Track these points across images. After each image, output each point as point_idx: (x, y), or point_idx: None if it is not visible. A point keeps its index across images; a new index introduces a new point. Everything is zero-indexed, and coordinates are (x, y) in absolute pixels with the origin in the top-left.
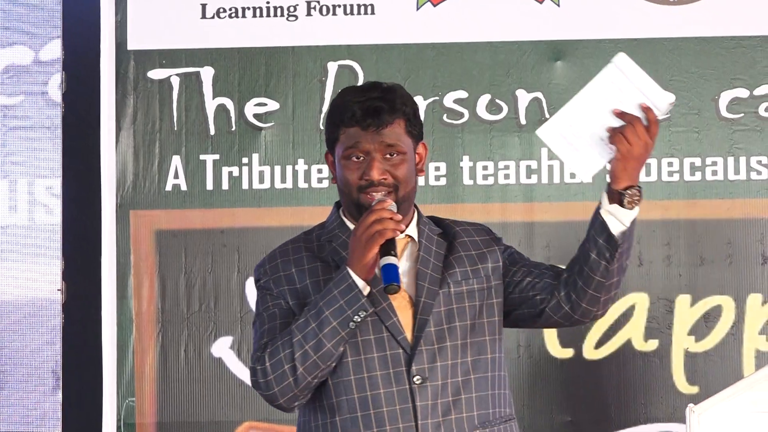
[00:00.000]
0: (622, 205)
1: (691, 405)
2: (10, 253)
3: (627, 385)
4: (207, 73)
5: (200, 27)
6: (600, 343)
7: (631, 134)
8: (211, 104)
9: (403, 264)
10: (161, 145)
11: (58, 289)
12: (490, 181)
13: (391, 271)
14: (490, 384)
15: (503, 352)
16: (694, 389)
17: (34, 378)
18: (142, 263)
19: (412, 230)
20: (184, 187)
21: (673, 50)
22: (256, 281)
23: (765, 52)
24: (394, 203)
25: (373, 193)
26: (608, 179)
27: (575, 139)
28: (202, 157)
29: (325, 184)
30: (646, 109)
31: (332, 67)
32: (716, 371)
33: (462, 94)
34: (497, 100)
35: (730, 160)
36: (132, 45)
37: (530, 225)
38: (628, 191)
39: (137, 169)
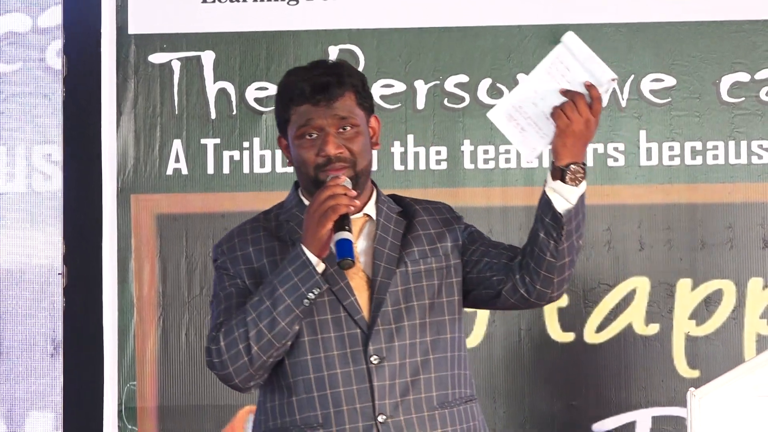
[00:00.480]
0: (564, 181)
1: (692, 389)
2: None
3: (628, 369)
4: (208, 57)
5: (201, 11)
6: (601, 327)
7: (571, 110)
8: (212, 88)
9: (361, 243)
10: (162, 129)
11: (59, 273)
12: (491, 165)
13: (344, 246)
14: (449, 364)
15: (463, 332)
16: (695, 373)
17: (34, 361)
18: (143, 247)
19: (371, 209)
20: (185, 171)
21: (674, 34)
22: (214, 261)
23: (766, 36)
24: (348, 179)
25: (330, 170)
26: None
27: (523, 120)
28: (203, 141)
29: None
30: (590, 87)
31: (333, 51)
32: (717, 355)
33: (463, 78)
34: (498, 84)
35: (731, 144)
36: (133, 29)
37: (531, 209)
38: (571, 167)
39: (138, 153)
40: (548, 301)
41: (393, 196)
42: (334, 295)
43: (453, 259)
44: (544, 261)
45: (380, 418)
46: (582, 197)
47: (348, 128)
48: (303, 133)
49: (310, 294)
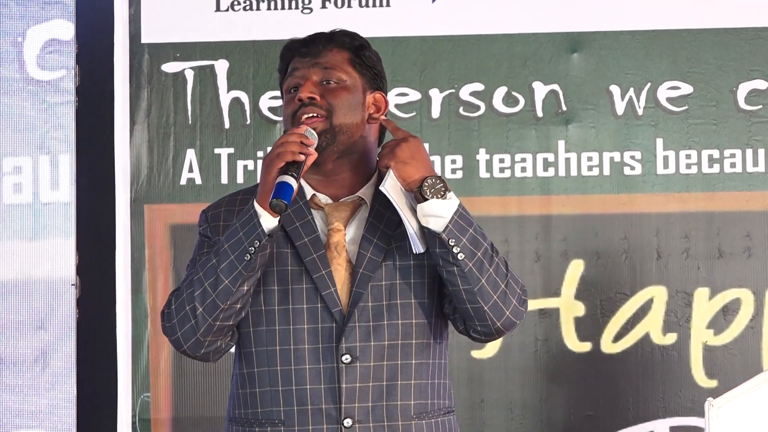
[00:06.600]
0: (426, 197)
1: (710, 399)
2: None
3: (645, 379)
4: (221, 67)
5: (214, 20)
6: (618, 337)
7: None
8: (225, 97)
9: (351, 231)
10: (175, 138)
11: (73, 284)
12: (507, 174)
13: (280, 188)
14: (431, 372)
15: (447, 339)
16: (712, 383)
17: (47, 372)
18: (157, 257)
19: (367, 191)
20: (198, 181)
21: (691, 42)
22: (199, 226)
23: None
24: (314, 133)
25: (304, 117)
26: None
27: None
28: (216, 150)
29: None
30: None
31: None
32: (735, 365)
33: (478, 86)
34: (514, 93)
35: (749, 152)
36: (146, 38)
37: (547, 218)
38: (425, 182)
39: (151, 163)
40: (498, 333)
41: None
42: (313, 284)
43: None
44: (461, 292)
45: (346, 422)
46: (461, 212)
47: (332, 81)
48: (288, 86)
49: (251, 247)
